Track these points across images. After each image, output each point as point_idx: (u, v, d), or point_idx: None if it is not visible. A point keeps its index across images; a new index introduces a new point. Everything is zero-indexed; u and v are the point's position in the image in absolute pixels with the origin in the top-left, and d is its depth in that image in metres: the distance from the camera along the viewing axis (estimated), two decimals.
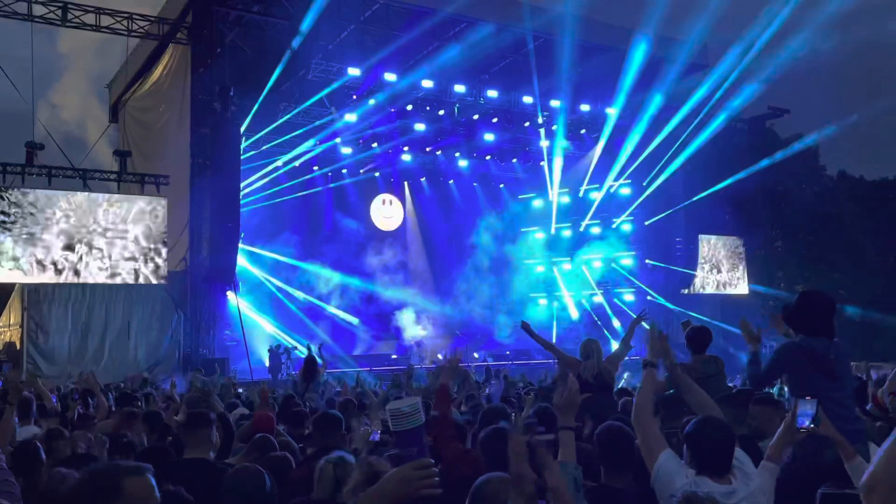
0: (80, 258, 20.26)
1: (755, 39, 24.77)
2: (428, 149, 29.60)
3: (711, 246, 30.68)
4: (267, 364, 22.67)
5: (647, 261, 29.68)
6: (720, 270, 30.90)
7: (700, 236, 29.96)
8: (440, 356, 27.26)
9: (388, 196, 32.30)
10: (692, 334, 6.88)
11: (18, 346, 20.19)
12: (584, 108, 26.69)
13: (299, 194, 28.17)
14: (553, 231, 32.18)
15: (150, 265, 21.02)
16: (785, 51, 25.64)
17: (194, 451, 4.51)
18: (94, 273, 20.43)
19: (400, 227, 32.44)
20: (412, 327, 29.35)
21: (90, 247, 20.36)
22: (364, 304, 29.49)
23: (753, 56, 25.35)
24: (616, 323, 29.83)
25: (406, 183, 32.22)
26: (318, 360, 11.40)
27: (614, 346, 26.88)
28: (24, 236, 19.52)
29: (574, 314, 31.55)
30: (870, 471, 2.48)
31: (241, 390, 12.61)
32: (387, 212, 32.36)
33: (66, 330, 20.21)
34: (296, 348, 24.06)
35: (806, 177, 34.45)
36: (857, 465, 3.41)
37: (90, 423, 6.72)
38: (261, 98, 22.34)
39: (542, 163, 30.51)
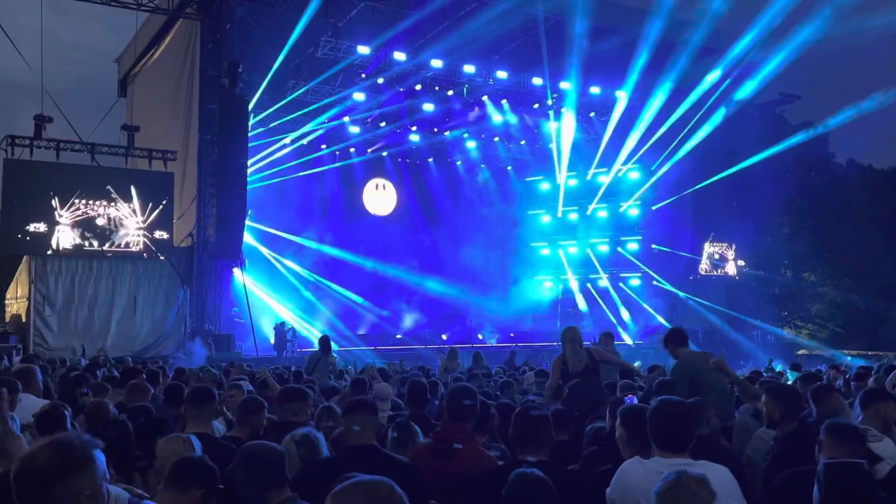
0: (87, 232, 20.29)
1: (768, 25, 24.53)
2: (436, 129, 29.50)
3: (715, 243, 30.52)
4: (272, 341, 22.75)
5: (653, 245, 29.62)
6: (725, 258, 30.78)
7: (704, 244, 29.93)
8: (444, 336, 27.37)
9: (381, 181, 31.95)
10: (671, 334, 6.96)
11: (24, 319, 20.26)
12: (595, 90, 26.43)
13: (307, 172, 28.15)
14: (560, 214, 32.12)
15: (157, 240, 21.04)
16: (797, 36, 25.37)
17: (196, 425, 4.54)
18: (100, 247, 20.47)
19: (395, 209, 32.18)
20: (415, 308, 29.38)
21: (97, 221, 20.38)
22: (369, 284, 29.54)
23: (766, 41, 25.14)
24: (624, 313, 29.73)
25: (407, 162, 31.96)
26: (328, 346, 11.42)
27: (625, 337, 26.97)
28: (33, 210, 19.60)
29: (579, 298, 31.55)
30: None
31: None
32: (379, 197, 31.97)
33: (72, 303, 20.24)
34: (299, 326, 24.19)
35: (815, 164, 34.28)
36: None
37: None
38: (269, 75, 22.30)
39: (550, 145, 30.38)
